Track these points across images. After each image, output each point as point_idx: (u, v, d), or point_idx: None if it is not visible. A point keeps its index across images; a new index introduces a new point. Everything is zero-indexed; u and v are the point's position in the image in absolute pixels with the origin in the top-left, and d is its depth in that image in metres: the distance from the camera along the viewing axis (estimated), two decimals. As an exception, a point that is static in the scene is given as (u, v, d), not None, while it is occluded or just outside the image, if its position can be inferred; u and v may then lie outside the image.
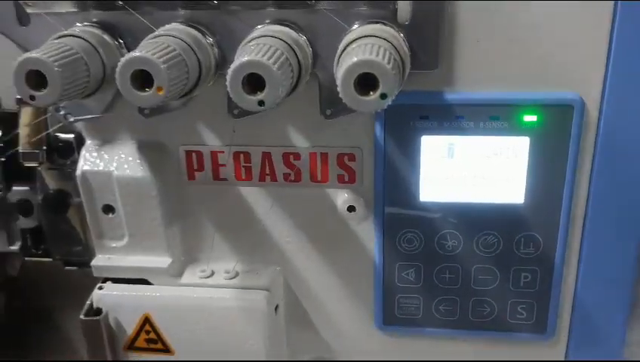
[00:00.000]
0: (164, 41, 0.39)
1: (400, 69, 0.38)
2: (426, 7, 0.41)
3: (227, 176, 0.50)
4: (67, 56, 0.39)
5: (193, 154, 0.50)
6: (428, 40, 0.42)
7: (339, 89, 0.36)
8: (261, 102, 0.37)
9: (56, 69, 0.37)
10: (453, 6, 0.42)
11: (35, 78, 0.38)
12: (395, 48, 0.39)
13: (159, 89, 0.37)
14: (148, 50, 0.37)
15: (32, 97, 0.39)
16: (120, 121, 0.49)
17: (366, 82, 0.36)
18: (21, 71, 0.38)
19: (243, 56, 0.36)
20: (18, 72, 0.38)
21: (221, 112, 0.47)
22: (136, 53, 0.37)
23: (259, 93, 0.37)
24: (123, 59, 0.37)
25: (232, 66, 0.36)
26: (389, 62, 0.35)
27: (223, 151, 0.49)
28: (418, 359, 0.55)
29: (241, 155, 0.49)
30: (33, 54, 0.38)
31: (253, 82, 0.37)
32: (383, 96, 0.35)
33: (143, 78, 0.38)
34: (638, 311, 0.56)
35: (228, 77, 0.37)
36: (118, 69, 0.37)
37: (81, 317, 0.50)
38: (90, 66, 0.41)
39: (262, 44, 0.38)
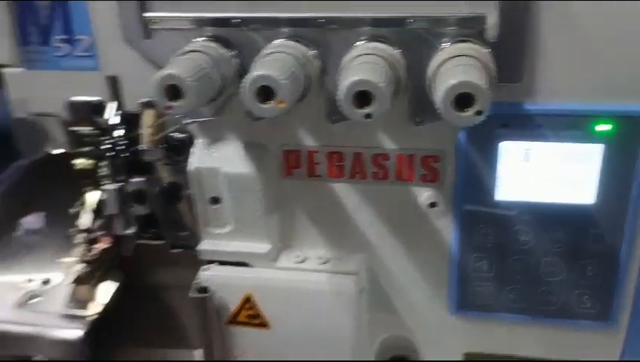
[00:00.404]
0: (281, 58, 0.45)
1: (490, 85, 0.42)
2: (511, 25, 0.45)
3: (321, 173, 0.55)
4: (198, 72, 0.45)
5: (291, 153, 0.55)
6: (513, 56, 0.46)
7: (438, 105, 0.41)
8: (368, 115, 0.42)
9: (193, 83, 0.43)
10: (536, 22, 0.46)
11: (169, 90, 0.44)
12: (485, 65, 0.44)
13: (280, 102, 0.43)
14: (270, 68, 0.43)
15: (169, 107, 0.45)
16: (227, 123, 0.55)
17: (460, 98, 0.41)
18: (161, 85, 0.44)
19: (354, 75, 0.41)
20: (159, 86, 0.44)
21: (318, 117, 0.52)
22: (261, 72, 0.42)
23: (365, 107, 0.42)
24: (249, 78, 0.43)
25: (346, 84, 0.41)
26: (485, 83, 0.40)
27: (318, 151, 0.55)
28: (486, 340, 0.60)
29: (335, 155, 0.54)
30: (172, 71, 0.43)
31: (358, 95, 0.42)
32: (479, 112, 0.40)
33: (264, 92, 0.43)
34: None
35: (340, 93, 0.42)
36: (246, 86, 0.43)
37: (191, 295, 0.57)
38: (213, 78, 0.47)
39: (368, 62, 0.43)
